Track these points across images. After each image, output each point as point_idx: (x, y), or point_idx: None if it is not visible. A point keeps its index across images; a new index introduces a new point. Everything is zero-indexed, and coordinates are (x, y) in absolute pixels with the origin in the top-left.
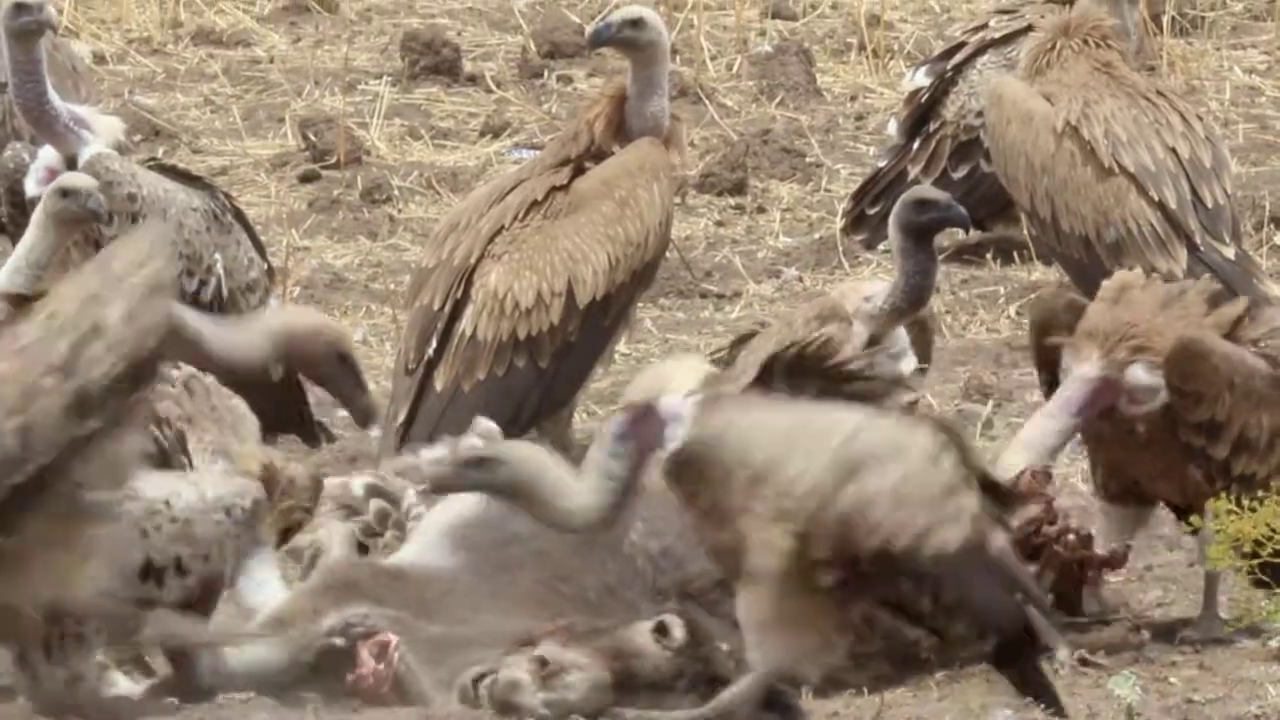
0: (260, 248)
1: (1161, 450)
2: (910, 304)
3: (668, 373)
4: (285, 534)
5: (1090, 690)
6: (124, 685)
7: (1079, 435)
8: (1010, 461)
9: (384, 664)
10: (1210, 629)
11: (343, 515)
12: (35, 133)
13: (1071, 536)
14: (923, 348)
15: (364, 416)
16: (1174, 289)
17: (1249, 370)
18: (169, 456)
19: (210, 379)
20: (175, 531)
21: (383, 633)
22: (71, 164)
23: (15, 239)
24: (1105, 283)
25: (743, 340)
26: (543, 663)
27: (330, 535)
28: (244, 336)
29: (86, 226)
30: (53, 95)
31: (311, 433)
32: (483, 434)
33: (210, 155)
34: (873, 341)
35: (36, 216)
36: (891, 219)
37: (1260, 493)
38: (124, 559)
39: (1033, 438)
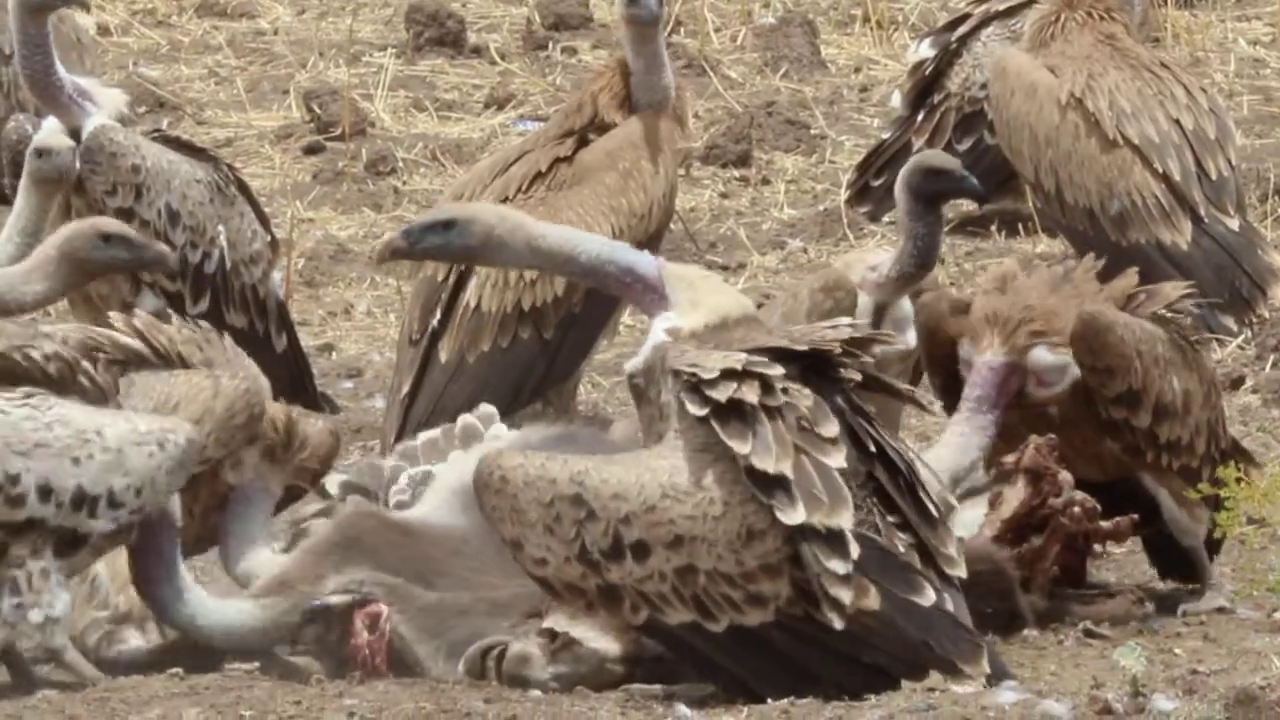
0: (264, 219)
1: (1077, 429)
2: (918, 267)
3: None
4: (293, 490)
5: (1095, 661)
6: (134, 642)
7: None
8: (936, 469)
9: (377, 634)
10: (1215, 598)
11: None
12: (40, 104)
13: (1077, 509)
14: None
15: (163, 267)
16: (1059, 270)
17: (1150, 336)
18: (106, 396)
19: (229, 339)
20: (108, 461)
21: (375, 603)
22: (75, 136)
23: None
24: (984, 276)
25: None
26: (552, 635)
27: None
28: (21, 278)
29: (60, 187)
30: (59, 67)
31: (315, 404)
32: (481, 417)
33: (215, 127)
34: (879, 311)
35: (23, 182)
36: (900, 182)
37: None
38: (56, 485)
39: (955, 442)
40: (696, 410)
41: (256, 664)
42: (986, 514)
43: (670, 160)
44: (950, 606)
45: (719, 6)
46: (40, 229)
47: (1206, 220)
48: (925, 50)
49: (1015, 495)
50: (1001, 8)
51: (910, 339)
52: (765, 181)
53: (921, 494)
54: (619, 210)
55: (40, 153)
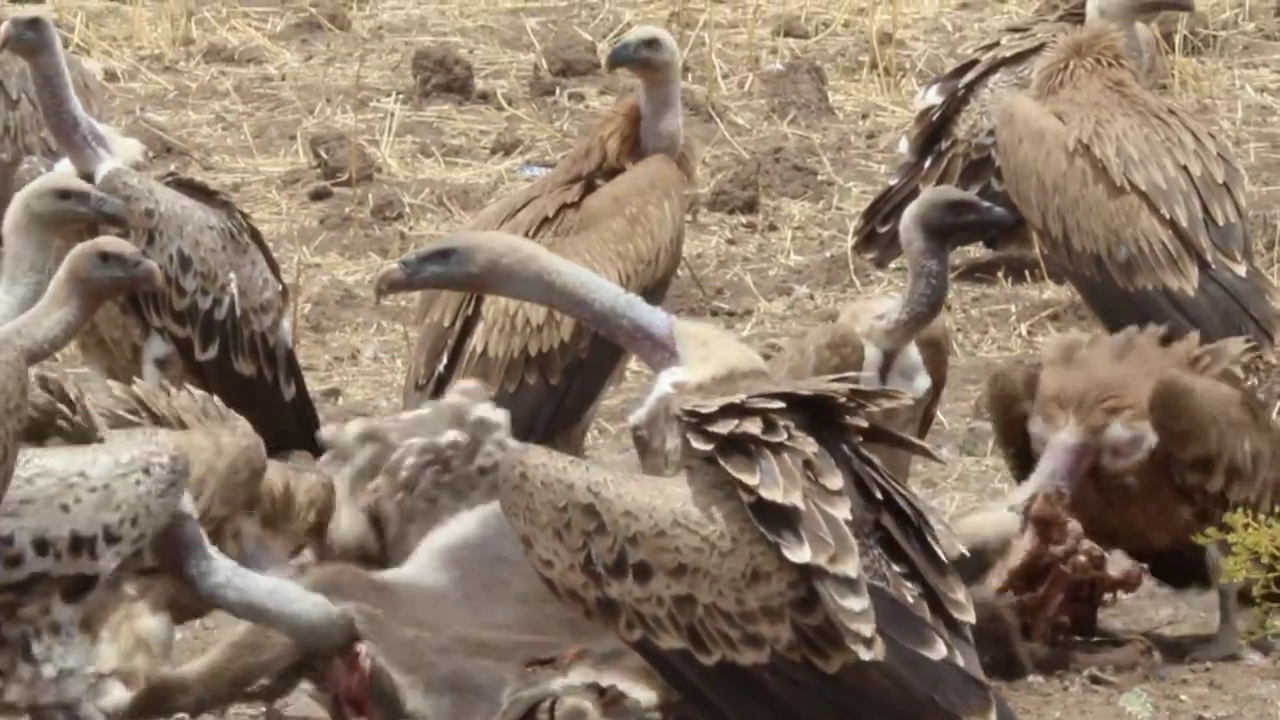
0: (274, 268)
1: (1153, 497)
2: (929, 307)
3: None
4: (298, 550)
5: (1102, 708)
6: (117, 695)
7: None
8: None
9: (356, 675)
10: (1228, 645)
11: (337, 464)
12: (55, 141)
13: (1083, 558)
14: (937, 369)
15: (148, 284)
16: (1120, 339)
17: (1226, 400)
18: (86, 435)
19: (218, 400)
20: (96, 500)
21: (354, 642)
22: (88, 180)
23: None
24: (1045, 348)
25: None
26: (600, 690)
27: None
28: (39, 319)
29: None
30: (74, 106)
31: (321, 452)
32: (466, 391)
33: (222, 172)
34: (887, 360)
35: (17, 220)
36: (912, 220)
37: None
38: (51, 536)
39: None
40: (701, 446)
41: (263, 709)
42: (996, 565)
43: (677, 206)
44: (960, 660)
45: (726, 53)
46: (44, 268)
47: (1214, 267)
48: (933, 97)
49: (1023, 545)
50: (1009, 54)
51: (919, 386)
52: (772, 228)
53: (930, 540)
54: (626, 256)
55: (66, 194)
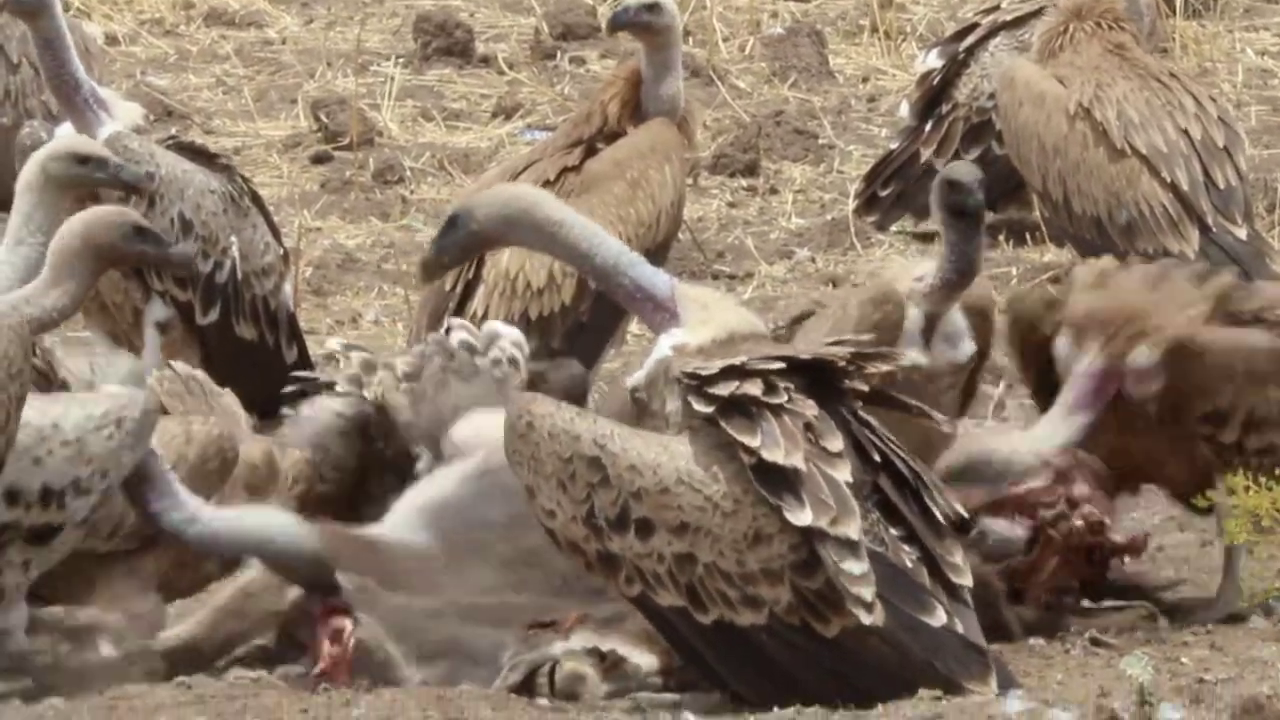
0: (275, 231)
1: (1173, 427)
2: (959, 274)
3: None
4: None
5: (1102, 670)
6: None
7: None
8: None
9: (340, 648)
10: (1231, 603)
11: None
12: (57, 104)
13: (1079, 523)
14: (984, 335)
15: (185, 268)
16: (1154, 270)
17: (1249, 352)
18: (47, 377)
19: (202, 374)
20: (69, 454)
21: (342, 613)
22: None
23: None
24: (1079, 271)
25: (799, 320)
26: (600, 655)
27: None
28: (45, 289)
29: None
30: (76, 68)
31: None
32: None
33: (222, 136)
34: (929, 322)
35: (31, 181)
36: (931, 193)
37: None
38: (22, 487)
39: (1040, 435)
40: (702, 408)
41: (262, 673)
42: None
43: (678, 169)
44: (960, 626)
45: (727, 16)
46: (54, 227)
47: (1214, 230)
48: (933, 60)
49: (1034, 481)
50: (1009, 18)
51: (964, 351)
52: (773, 191)
53: (929, 503)
54: (627, 220)
55: (84, 160)
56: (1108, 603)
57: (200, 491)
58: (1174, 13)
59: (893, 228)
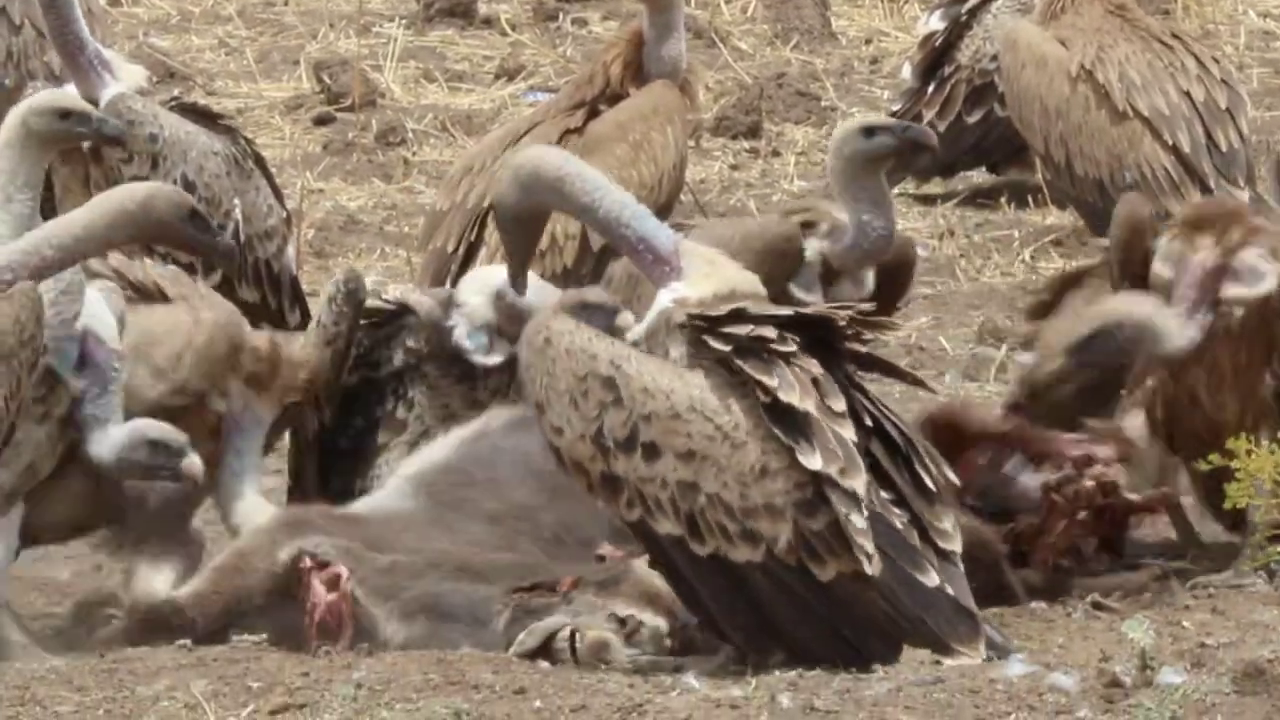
0: (278, 194)
1: (1246, 345)
2: (868, 256)
3: None
4: (289, 412)
5: (1104, 634)
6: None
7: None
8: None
9: (337, 595)
10: (1240, 574)
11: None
12: (61, 64)
13: (1090, 484)
14: (902, 283)
15: (228, 263)
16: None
17: None
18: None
19: (201, 284)
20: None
21: (334, 564)
22: (92, 105)
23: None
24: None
25: (1070, 283)
26: (621, 621)
27: None
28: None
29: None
30: (80, 28)
31: None
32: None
33: (225, 97)
34: (827, 266)
35: (12, 137)
36: (833, 155)
37: None
38: None
39: (1174, 327)
40: (719, 346)
41: (264, 635)
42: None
43: (680, 132)
44: (951, 590)
45: None
46: (39, 185)
47: (1216, 192)
48: (936, 22)
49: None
50: None
51: (866, 288)
52: (775, 153)
53: (918, 468)
54: (629, 181)
55: (66, 114)
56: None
57: (208, 377)
58: None
59: (894, 190)
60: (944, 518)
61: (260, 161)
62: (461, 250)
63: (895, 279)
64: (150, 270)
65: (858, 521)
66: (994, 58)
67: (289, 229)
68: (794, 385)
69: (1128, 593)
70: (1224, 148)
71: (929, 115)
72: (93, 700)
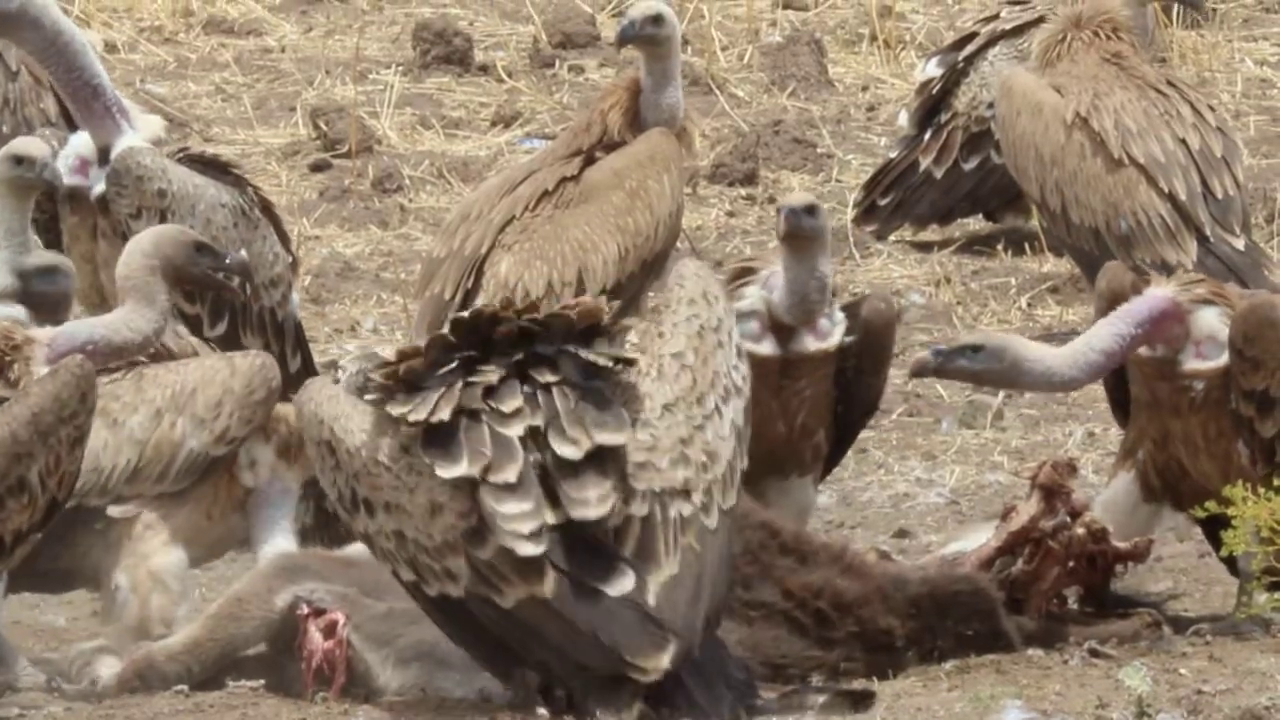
0: (285, 239)
1: (1214, 418)
2: (802, 306)
3: None
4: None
5: (1100, 681)
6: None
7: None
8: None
9: (334, 641)
10: (1235, 625)
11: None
12: (73, 111)
13: (1081, 531)
14: (879, 353)
15: (244, 273)
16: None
17: None
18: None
19: (202, 345)
20: None
21: (331, 611)
22: (104, 154)
23: (46, 228)
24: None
25: (738, 275)
26: None
27: None
28: (129, 319)
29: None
30: (96, 74)
31: None
32: None
33: (221, 144)
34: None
35: None
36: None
37: None
38: None
39: (1088, 339)
40: (369, 398)
41: (261, 682)
42: (997, 526)
43: (677, 179)
44: (650, 598)
45: (726, 25)
46: (25, 230)
47: (1212, 240)
48: (932, 69)
49: (1027, 510)
50: (1009, 27)
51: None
52: (772, 200)
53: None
54: (625, 229)
55: (19, 160)
56: (1110, 610)
57: (248, 423)
58: (1172, 22)
59: (891, 237)
60: (585, 487)
61: (268, 209)
62: (458, 297)
63: (877, 338)
64: (187, 338)
65: (511, 509)
66: (990, 105)
67: (294, 274)
68: (429, 405)
69: (1123, 640)
70: (1220, 195)
71: (926, 162)
72: None
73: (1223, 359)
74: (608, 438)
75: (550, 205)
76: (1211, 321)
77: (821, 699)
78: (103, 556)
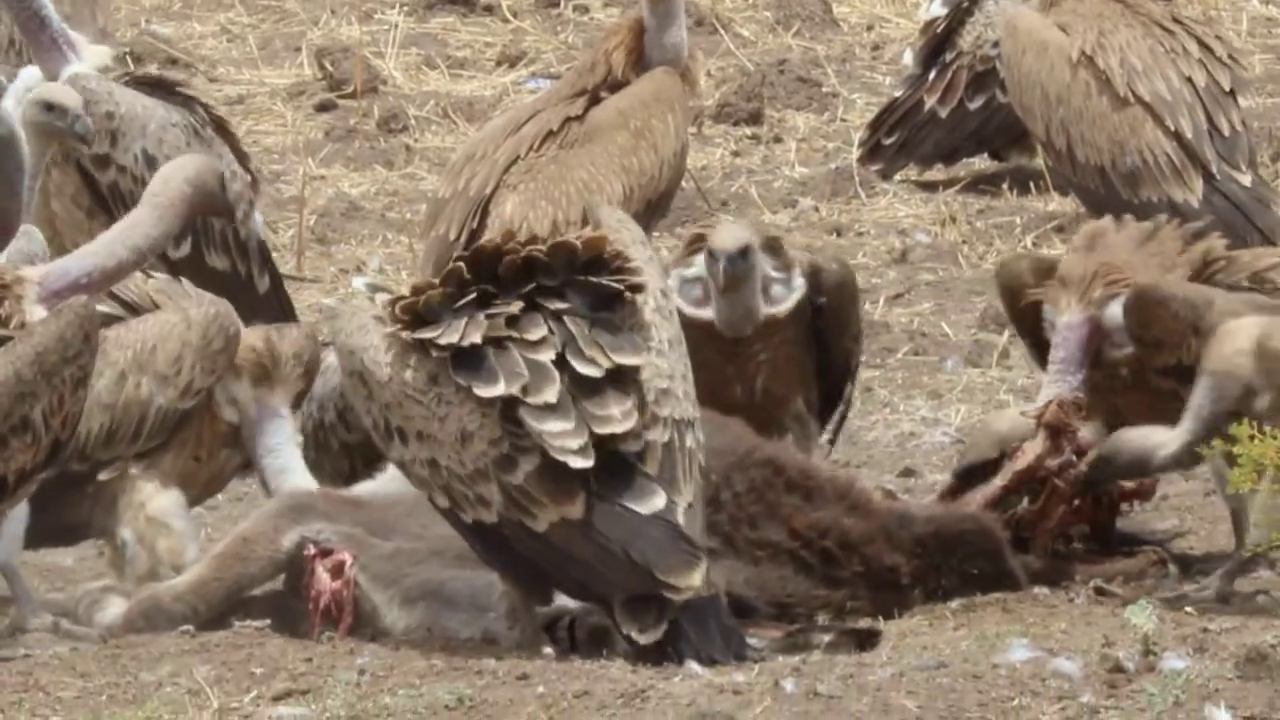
0: (243, 158)
1: (1145, 391)
2: (731, 333)
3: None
4: (299, 397)
5: (1106, 619)
6: (114, 609)
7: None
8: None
9: (341, 581)
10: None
11: None
12: (24, 37)
13: (1087, 469)
14: (845, 311)
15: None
16: (1148, 227)
17: (1218, 311)
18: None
19: (187, 283)
20: None
21: (338, 551)
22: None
23: None
24: (1077, 235)
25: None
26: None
27: None
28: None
29: (67, 144)
30: (44, 5)
31: None
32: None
33: (227, 84)
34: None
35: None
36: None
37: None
38: None
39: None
40: (390, 329)
41: (267, 621)
42: (1004, 465)
43: (682, 119)
44: (680, 516)
45: None
46: (40, 173)
47: (1218, 177)
48: (937, 8)
49: (1033, 449)
50: None
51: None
52: (777, 140)
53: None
54: (630, 169)
55: (50, 107)
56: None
57: (211, 372)
58: None
59: (896, 176)
60: (607, 404)
61: (222, 127)
62: (464, 237)
63: (834, 300)
64: (143, 285)
65: (555, 426)
66: (996, 44)
67: (255, 192)
68: (458, 329)
69: (1129, 578)
70: (1226, 132)
71: (931, 101)
72: (96, 686)
73: (1132, 346)
74: (625, 359)
75: (555, 145)
76: (1119, 314)
77: (827, 638)
78: (104, 518)
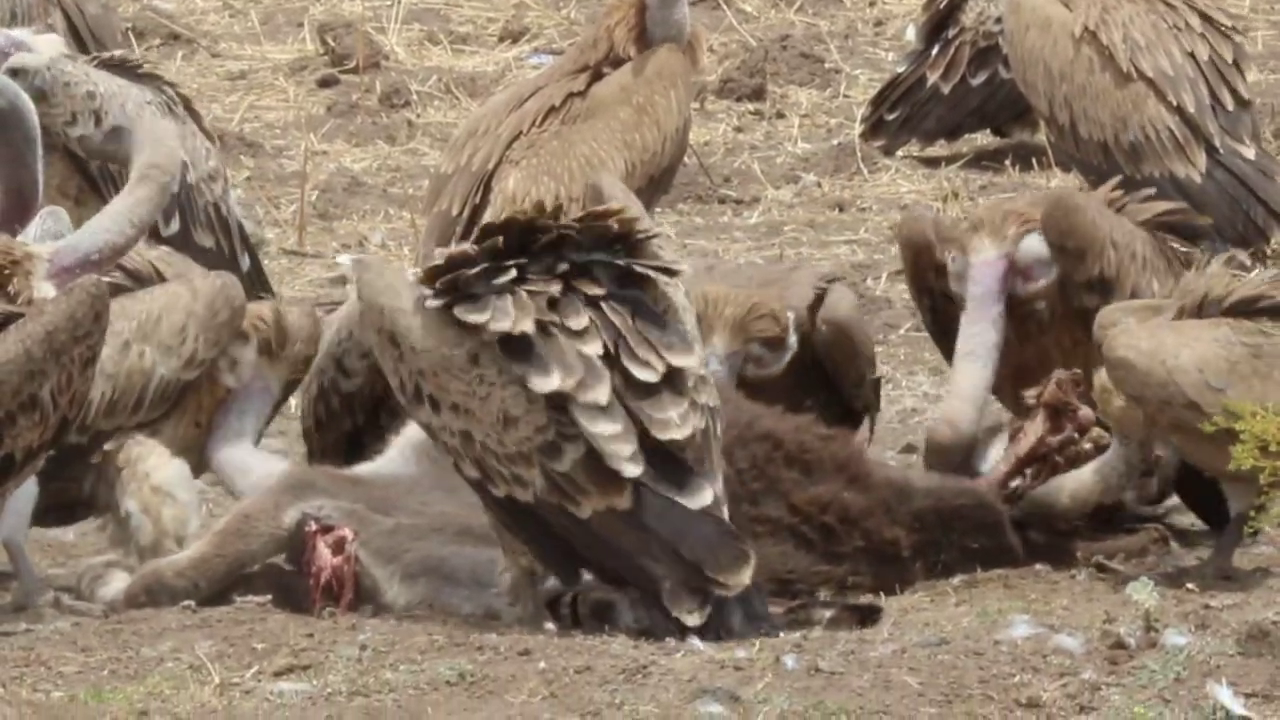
0: (210, 136)
1: (1066, 329)
2: None
3: None
4: (293, 383)
5: (1108, 596)
6: (117, 584)
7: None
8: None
9: (343, 558)
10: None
11: None
12: None
13: (1088, 445)
14: (845, 355)
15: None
16: (1051, 189)
17: (1128, 232)
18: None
19: (185, 257)
20: None
21: (339, 527)
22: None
23: None
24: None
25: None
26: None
27: None
28: (142, 202)
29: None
30: None
31: None
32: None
33: (229, 59)
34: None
35: None
36: None
37: None
38: None
39: (970, 349)
40: (433, 304)
41: (268, 597)
42: (1005, 448)
43: (684, 95)
44: (725, 510)
45: None
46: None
47: (1222, 151)
48: None
49: (1034, 430)
50: None
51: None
52: (779, 115)
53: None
54: (632, 145)
55: (15, 73)
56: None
57: (216, 344)
58: None
59: (899, 152)
60: (665, 408)
61: (189, 105)
62: (466, 213)
63: (834, 360)
64: (146, 254)
65: (605, 429)
66: (998, 19)
67: (224, 168)
68: (509, 313)
69: (1131, 555)
70: (1230, 107)
71: (933, 77)
72: (97, 661)
73: (1053, 273)
74: (678, 359)
75: (557, 121)
76: (1032, 246)
77: (829, 614)
78: (107, 492)
